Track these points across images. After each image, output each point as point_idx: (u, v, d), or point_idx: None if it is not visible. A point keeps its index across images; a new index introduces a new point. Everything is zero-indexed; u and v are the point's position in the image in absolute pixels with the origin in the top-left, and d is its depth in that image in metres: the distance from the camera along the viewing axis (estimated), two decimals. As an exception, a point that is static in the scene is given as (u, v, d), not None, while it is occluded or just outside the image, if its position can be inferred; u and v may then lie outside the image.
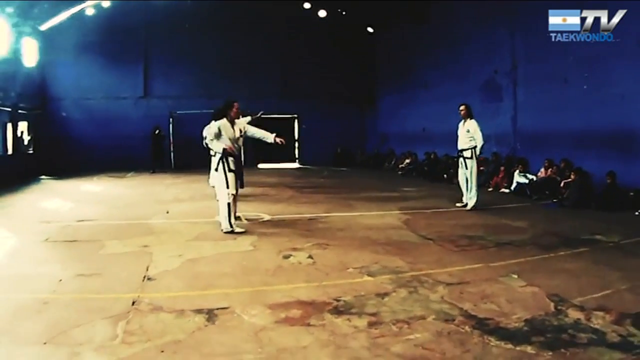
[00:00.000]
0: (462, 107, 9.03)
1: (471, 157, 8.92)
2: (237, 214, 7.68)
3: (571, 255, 5.49)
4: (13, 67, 15.72)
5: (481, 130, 8.81)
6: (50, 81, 19.30)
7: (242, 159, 7.55)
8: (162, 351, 3.09)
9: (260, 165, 20.57)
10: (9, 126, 15.98)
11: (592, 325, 3.44)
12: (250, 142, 20.81)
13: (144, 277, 4.73)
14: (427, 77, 17.02)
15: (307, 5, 20.65)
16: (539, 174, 10.80)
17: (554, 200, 9.58)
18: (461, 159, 9.09)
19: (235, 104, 7.01)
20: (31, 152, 17.71)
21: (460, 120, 9.12)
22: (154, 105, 20.06)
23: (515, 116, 12.72)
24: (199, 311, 3.76)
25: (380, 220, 7.94)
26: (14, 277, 4.81)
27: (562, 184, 9.70)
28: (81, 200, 10.38)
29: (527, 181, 10.55)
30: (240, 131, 7.11)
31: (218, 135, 6.90)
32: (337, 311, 3.76)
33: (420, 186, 12.98)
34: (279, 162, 21.40)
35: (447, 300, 4.00)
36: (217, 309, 3.81)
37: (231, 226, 6.83)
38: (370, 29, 21.81)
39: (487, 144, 13.45)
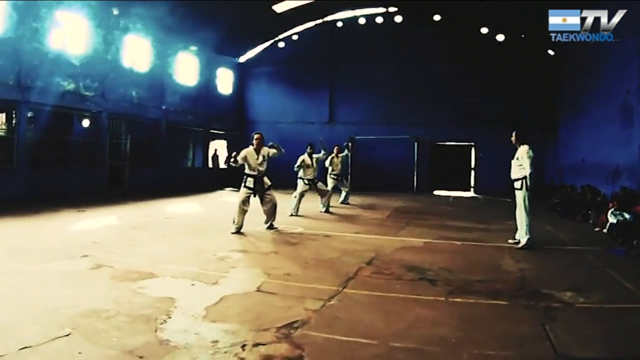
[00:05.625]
0: (513, 134, 8.85)
1: (520, 188, 8.60)
2: (275, 225, 9.86)
3: (466, 305, 5.13)
4: (206, 94, 21.38)
5: (530, 157, 8.28)
6: (247, 106, 25.38)
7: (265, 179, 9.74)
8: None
9: (436, 192, 22.41)
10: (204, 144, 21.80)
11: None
12: (427, 170, 22.29)
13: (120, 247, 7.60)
14: (582, 102, 15.89)
15: (484, 30, 21.15)
16: (650, 214, 9.40)
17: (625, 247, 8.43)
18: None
19: (256, 135, 9.56)
20: (225, 167, 23.20)
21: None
22: (338, 130, 23.47)
23: (643, 144, 11.03)
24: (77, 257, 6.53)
25: (387, 243, 8.67)
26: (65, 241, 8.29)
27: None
28: (208, 206, 14.38)
29: (615, 221, 9.36)
30: (264, 157, 9.56)
31: (245, 160, 9.42)
32: (148, 278, 5.72)
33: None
34: (454, 190, 22.54)
35: (220, 309, 4.73)
36: (94, 259, 6.29)
37: (236, 229, 9.27)
38: (551, 52, 20.73)
39: (623, 176, 11.92)
